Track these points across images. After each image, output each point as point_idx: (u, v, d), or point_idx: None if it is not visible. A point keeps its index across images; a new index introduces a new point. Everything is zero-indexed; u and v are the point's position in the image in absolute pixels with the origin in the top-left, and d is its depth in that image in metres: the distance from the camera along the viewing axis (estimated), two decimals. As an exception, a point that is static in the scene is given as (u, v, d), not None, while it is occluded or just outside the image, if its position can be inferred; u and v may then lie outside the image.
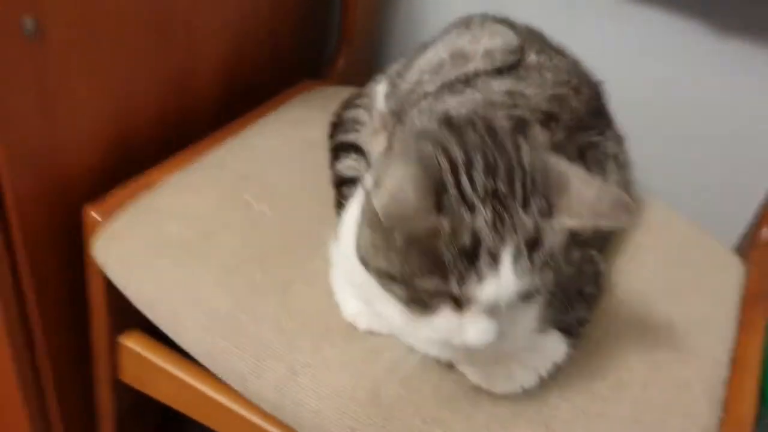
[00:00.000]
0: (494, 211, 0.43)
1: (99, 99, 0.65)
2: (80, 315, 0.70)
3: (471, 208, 0.43)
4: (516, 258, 0.43)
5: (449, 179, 0.44)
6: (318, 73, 0.90)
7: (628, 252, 0.69)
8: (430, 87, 0.66)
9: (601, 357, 0.57)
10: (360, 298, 0.55)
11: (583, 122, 0.62)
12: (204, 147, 0.73)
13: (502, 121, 0.55)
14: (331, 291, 0.58)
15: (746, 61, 0.78)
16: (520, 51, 0.66)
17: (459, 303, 0.44)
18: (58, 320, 0.71)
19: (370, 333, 0.56)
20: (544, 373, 0.54)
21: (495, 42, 0.66)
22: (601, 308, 0.60)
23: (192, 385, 0.64)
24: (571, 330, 0.55)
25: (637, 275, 0.66)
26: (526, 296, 0.44)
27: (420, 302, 0.46)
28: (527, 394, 0.53)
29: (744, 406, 0.58)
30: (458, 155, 0.45)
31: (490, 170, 0.45)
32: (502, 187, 0.44)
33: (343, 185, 0.68)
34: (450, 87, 0.64)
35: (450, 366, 0.53)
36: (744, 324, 0.66)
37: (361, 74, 0.91)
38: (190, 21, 0.71)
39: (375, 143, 0.71)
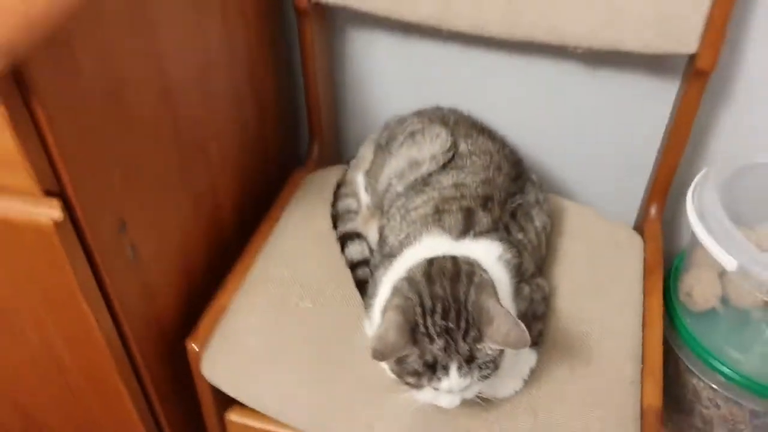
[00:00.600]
0: (445, 341, 0.72)
1: (173, 266, 0.91)
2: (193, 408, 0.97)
3: (431, 340, 0.72)
4: (459, 368, 0.72)
5: (420, 321, 0.73)
6: (298, 162, 1.15)
7: (557, 257, 0.98)
8: (399, 189, 0.92)
9: (555, 350, 0.87)
10: None
11: (509, 191, 0.90)
12: (247, 259, 0.98)
13: (456, 216, 0.83)
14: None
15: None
16: (454, 145, 0.92)
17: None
18: (176, 414, 0.99)
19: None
20: (525, 377, 0.84)
21: (435, 146, 0.91)
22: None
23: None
24: (536, 341, 0.85)
25: (565, 275, 0.95)
26: (477, 382, 0.73)
27: (411, 385, 0.75)
28: (517, 395, 0.84)
29: (655, 354, 0.89)
30: (427, 303, 0.73)
31: (445, 314, 0.73)
32: (452, 325, 0.72)
33: (356, 268, 0.96)
34: (413, 188, 0.90)
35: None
36: (647, 289, 0.96)
37: (330, 156, 1.17)
38: (207, 148, 0.95)
39: (368, 229, 0.98)
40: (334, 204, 1.04)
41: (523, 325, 0.69)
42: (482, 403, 0.81)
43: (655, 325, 0.92)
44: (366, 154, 1.04)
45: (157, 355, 0.91)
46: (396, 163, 0.94)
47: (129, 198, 0.78)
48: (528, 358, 0.85)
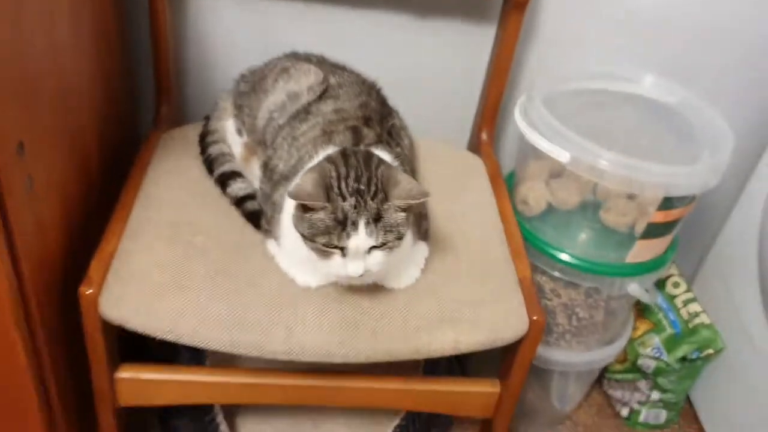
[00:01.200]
0: (356, 200, 0.79)
1: (60, 205, 0.86)
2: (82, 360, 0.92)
3: (344, 198, 0.79)
4: (366, 225, 0.79)
5: (334, 184, 0.80)
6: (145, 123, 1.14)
7: (416, 176, 1.09)
8: (281, 120, 0.97)
9: (438, 244, 0.98)
10: (303, 262, 0.88)
11: (382, 113, 0.99)
12: (125, 207, 0.96)
13: (345, 133, 0.90)
14: (281, 273, 0.90)
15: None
16: (325, 79, 0.99)
17: (343, 253, 0.81)
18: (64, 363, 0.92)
19: (317, 287, 0.90)
20: (422, 266, 0.93)
21: (310, 79, 0.98)
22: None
23: (191, 379, 0.93)
24: (425, 237, 0.95)
25: (428, 187, 1.07)
26: (380, 246, 0.81)
27: (322, 252, 0.81)
28: (418, 282, 0.92)
29: (517, 239, 1.03)
30: (341, 170, 0.80)
31: (357, 179, 0.81)
32: (362, 187, 0.80)
33: (242, 203, 0.98)
34: (296, 117, 0.96)
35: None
36: (496, 195, 1.11)
37: (179, 117, 1.17)
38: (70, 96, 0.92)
39: (249, 167, 1.01)
40: (203, 152, 1.05)
41: (423, 185, 0.79)
42: (391, 290, 0.89)
43: (511, 218, 1.07)
44: (225, 105, 1.08)
45: (50, 303, 0.85)
46: (274, 98, 0.99)
47: (26, 118, 0.74)
48: (422, 249, 0.94)
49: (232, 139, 1.04)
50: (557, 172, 1.18)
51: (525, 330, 0.91)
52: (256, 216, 0.96)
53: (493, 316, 0.91)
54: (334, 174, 0.80)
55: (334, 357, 0.86)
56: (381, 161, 0.84)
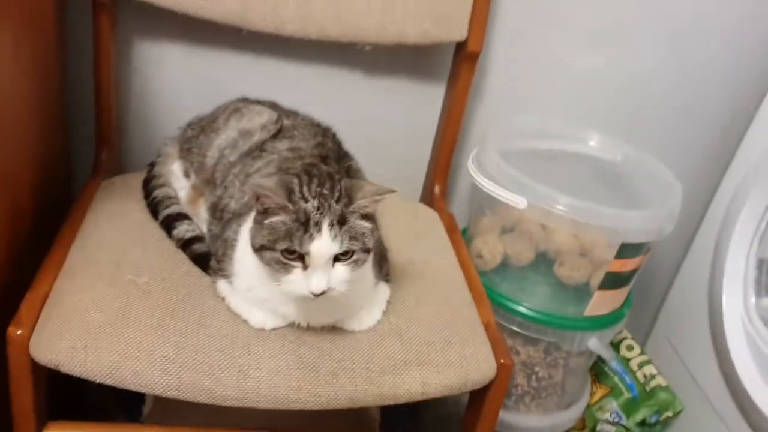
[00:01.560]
0: (319, 202, 0.75)
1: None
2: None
3: (306, 201, 0.75)
4: (330, 227, 0.74)
5: (296, 188, 0.75)
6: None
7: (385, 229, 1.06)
8: (232, 158, 0.93)
9: (399, 286, 0.94)
10: (257, 302, 0.82)
11: (338, 154, 0.96)
12: (60, 250, 0.88)
13: (299, 168, 0.87)
14: (233, 315, 0.84)
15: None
16: (279, 119, 0.97)
17: (304, 265, 0.74)
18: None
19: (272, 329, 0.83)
20: (383, 308, 0.88)
21: (263, 118, 0.95)
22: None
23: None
24: (386, 279, 0.91)
25: (387, 234, 1.03)
26: (343, 254, 0.75)
27: (282, 264, 0.74)
28: (380, 324, 0.87)
29: (477, 284, 1.00)
30: (304, 179, 0.77)
31: (321, 184, 0.77)
32: (326, 192, 0.76)
33: (189, 245, 0.92)
34: (249, 154, 0.92)
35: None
36: (454, 244, 1.08)
37: (117, 166, 1.12)
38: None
39: (195, 207, 0.96)
40: (148, 196, 0.99)
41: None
42: (352, 332, 0.84)
43: (470, 266, 1.04)
44: (170, 150, 1.03)
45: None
46: (226, 135, 0.95)
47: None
48: (383, 291, 0.90)
49: (178, 183, 0.99)
50: (510, 226, 1.17)
51: (494, 373, 0.86)
52: (204, 258, 0.90)
53: (461, 359, 0.86)
54: (296, 181, 0.77)
55: (291, 403, 0.78)
56: (344, 172, 0.80)
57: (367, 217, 0.78)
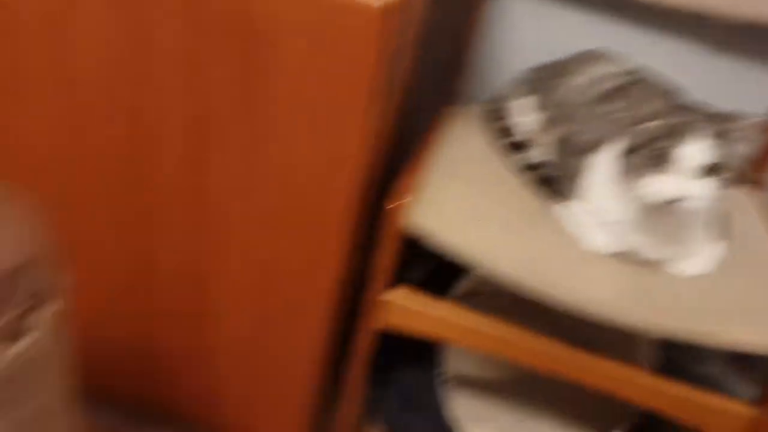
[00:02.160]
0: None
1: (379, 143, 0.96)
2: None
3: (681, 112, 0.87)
4: (703, 139, 0.82)
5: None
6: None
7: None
8: (583, 99, 1.02)
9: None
10: (602, 225, 0.92)
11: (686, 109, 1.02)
12: (424, 153, 1.05)
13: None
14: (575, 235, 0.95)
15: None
16: (631, 72, 1.04)
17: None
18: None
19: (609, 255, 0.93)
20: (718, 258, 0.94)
21: (613, 68, 1.04)
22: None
23: (454, 320, 0.98)
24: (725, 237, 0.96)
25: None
26: (713, 171, 0.82)
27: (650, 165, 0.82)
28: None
29: None
30: None
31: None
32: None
33: (535, 169, 1.05)
34: (601, 98, 1.01)
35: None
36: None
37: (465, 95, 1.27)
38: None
39: (545, 139, 1.08)
40: (497, 123, 1.13)
41: None
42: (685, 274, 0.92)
43: None
44: (515, 89, 1.15)
45: (363, 213, 0.95)
46: (579, 79, 1.05)
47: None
48: (719, 246, 0.95)
49: (525, 116, 1.11)
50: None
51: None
52: (549, 181, 1.01)
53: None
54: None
55: (620, 317, 0.87)
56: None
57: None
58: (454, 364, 1.30)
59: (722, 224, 0.96)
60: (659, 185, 0.83)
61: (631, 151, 0.84)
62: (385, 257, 0.97)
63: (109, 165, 0.93)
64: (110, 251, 1.01)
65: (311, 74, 0.80)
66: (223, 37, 0.80)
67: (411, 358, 1.22)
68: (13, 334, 0.54)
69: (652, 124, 0.84)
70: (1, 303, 0.53)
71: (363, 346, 1.06)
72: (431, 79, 1.34)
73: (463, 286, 1.21)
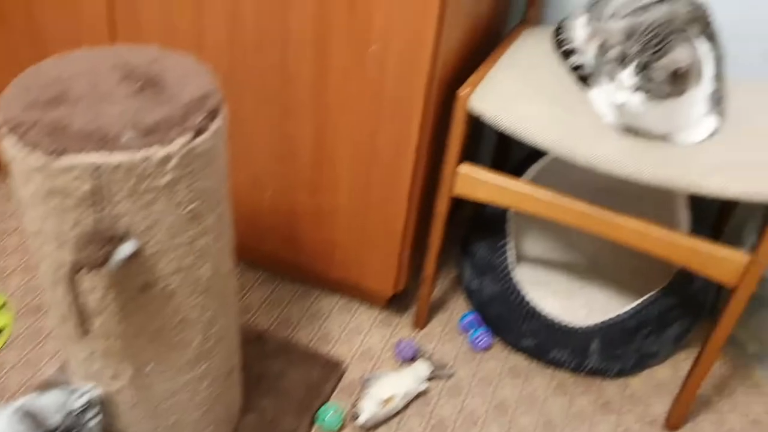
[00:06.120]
0: (640, 47, 1.10)
1: (459, 48, 1.27)
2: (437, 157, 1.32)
3: (632, 44, 1.11)
4: (635, 67, 1.10)
5: (637, 32, 1.11)
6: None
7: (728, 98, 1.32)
8: (623, 12, 1.28)
9: (732, 130, 1.21)
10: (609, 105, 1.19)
11: (705, 22, 1.25)
12: (496, 54, 1.35)
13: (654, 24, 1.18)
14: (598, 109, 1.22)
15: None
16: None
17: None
18: (430, 155, 1.34)
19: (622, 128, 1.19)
20: (708, 133, 1.18)
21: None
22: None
23: (510, 187, 1.27)
24: (719, 112, 1.19)
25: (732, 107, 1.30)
26: (639, 89, 1.10)
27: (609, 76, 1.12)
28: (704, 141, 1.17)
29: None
30: (645, 30, 1.11)
31: (654, 37, 1.10)
32: (652, 42, 1.10)
33: (577, 69, 1.32)
34: (636, 12, 1.26)
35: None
36: None
37: (538, 18, 1.55)
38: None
39: (587, 46, 1.34)
40: (556, 36, 1.41)
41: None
42: (680, 143, 1.16)
43: None
44: (576, 11, 1.42)
45: (438, 100, 1.27)
46: (618, 1, 1.31)
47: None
48: (712, 120, 1.20)
49: (578, 30, 1.38)
50: None
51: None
52: (585, 78, 1.29)
53: (762, 177, 1.11)
54: (642, 29, 1.12)
55: (626, 171, 1.13)
56: (679, 38, 1.11)
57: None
58: (519, 238, 1.59)
59: (717, 103, 1.19)
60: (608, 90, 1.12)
61: (621, 59, 1.11)
62: (456, 136, 1.29)
63: (262, 71, 1.31)
64: (262, 133, 1.38)
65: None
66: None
67: (485, 233, 1.53)
68: (200, 131, 0.91)
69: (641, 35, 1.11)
70: (195, 112, 0.91)
71: (441, 209, 1.38)
72: (517, 6, 1.63)
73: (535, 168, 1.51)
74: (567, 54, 1.35)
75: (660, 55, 1.08)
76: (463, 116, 1.26)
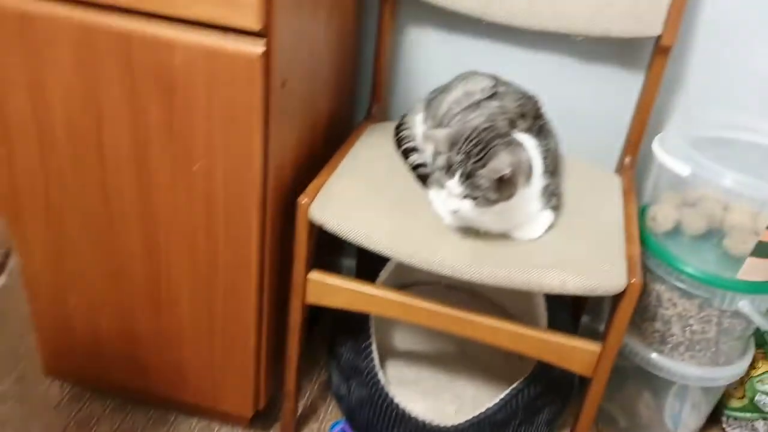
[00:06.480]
0: (463, 157, 1.10)
1: (294, 149, 1.24)
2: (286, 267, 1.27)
3: (457, 153, 1.11)
4: (460, 177, 1.09)
5: (459, 142, 1.12)
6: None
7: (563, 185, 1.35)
8: (456, 110, 1.29)
9: (564, 224, 1.22)
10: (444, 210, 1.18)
11: (535, 115, 1.28)
12: (335, 160, 1.32)
13: (503, 122, 1.20)
14: (437, 213, 1.20)
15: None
16: (495, 86, 1.31)
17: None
18: (277, 266, 1.27)
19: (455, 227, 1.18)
20: (544, 229, 1.19)
21: (484, 83, 1.30)
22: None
23: (360, 291, 1.24)
24: (554, 208, 1.21)
25: (571, 186, 1.32)
26: (468, 197, 1.10)
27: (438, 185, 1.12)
28: (538, 238, 1.18)
29: (633, 229, 1.24)
30: (467, 138, 1.12)
31: (476, 145, 1.11)
32: (474, 151, 1.10)
33: (416, 168, 1.31)
34: (469, 109, 1.27)
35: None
36: (625, 202, 1.33)
37: (384, 116, 1.54)
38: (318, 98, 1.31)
39: (426, 145, 1.34)
40: (397, 134, 1.40)
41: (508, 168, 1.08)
42: (517, 240, 1.16)
43: (633, 218, 1.28)
44: (417, 106, 1.42)
45: (278, 209, 1.22)
46: (454, 94, 1.32)
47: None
48: (547, 216, 1.20)
49: (417, 128, 1.38)
50: (691, 202, 1.36)
51: (623, 286, 1.11)
52: (424, 178, 1.28)
53: (599, 272, 1.12)
54: (464, 137, 1.12)
55: (466, 274, 1.12)
56: (501, 143, 1.12)
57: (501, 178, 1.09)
58: (387, 332, 1.55)
59: (551, 196, 1.21)
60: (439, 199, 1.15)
61: (448, 167, 1.12)
62: (301, 243, 1.24)
63: (81, 192, 1.22)
64: (92, 251, 1.28)
65: (216, 106, 1.08)
66: (151, 88, 1.09)
67: (349, 334, 1.47)
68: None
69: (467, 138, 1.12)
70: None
71: (295, 319, 1.32)
72: (362, 103, 1.63)
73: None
74: (407, 153, 1.35)
75: (483, 164, 1.08)
76: (305, 225, 1.22)
